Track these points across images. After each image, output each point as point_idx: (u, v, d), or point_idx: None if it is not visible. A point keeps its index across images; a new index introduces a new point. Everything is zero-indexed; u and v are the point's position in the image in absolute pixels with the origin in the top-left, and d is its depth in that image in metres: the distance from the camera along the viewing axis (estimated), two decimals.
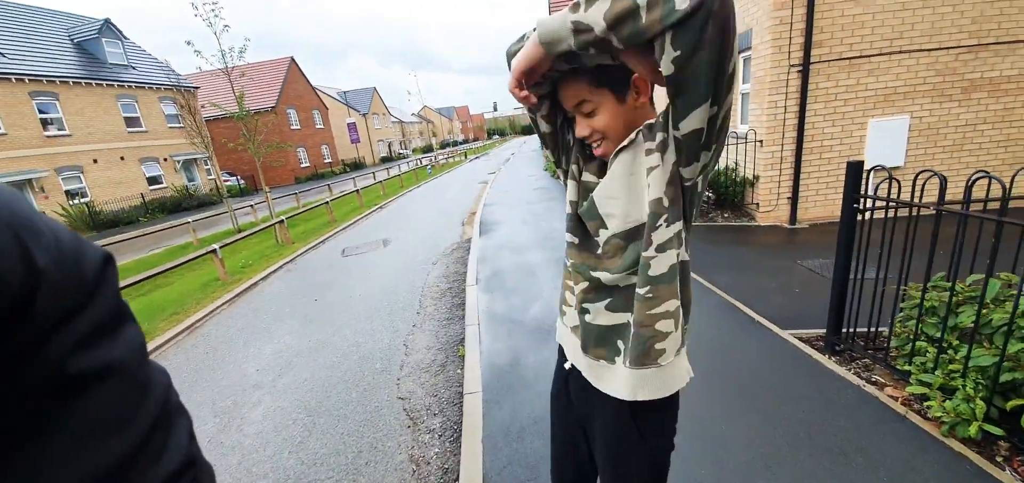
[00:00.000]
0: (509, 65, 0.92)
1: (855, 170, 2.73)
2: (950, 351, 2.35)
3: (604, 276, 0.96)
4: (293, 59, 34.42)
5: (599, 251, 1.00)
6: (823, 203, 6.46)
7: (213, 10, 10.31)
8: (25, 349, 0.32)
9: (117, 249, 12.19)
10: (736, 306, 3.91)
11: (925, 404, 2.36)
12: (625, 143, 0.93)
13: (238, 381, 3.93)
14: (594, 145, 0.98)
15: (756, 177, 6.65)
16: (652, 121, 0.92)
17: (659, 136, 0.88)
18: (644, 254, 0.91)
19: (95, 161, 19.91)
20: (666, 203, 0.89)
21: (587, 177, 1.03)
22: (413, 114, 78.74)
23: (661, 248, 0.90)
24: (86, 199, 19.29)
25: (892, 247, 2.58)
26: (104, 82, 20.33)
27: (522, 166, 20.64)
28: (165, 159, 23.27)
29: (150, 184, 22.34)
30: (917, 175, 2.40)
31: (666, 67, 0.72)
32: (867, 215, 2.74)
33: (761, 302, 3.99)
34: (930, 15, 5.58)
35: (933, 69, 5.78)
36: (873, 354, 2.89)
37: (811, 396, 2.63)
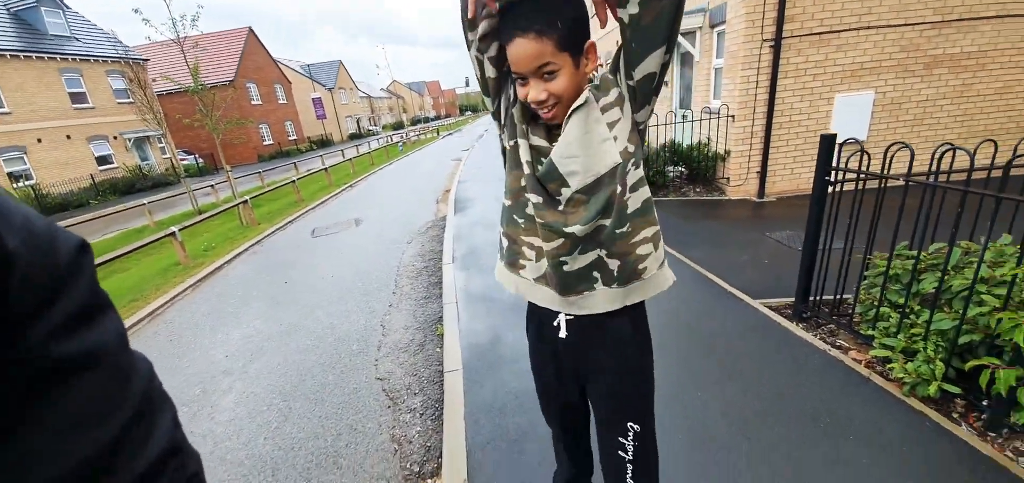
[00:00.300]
0: (462, 14, 0.95)
1: (828, 143, 2.79)
2: (912, 316, 2.47)
3: (578, 230, 1.00)
4: (251, 29, 32.57)
5: (561, 208, 1.03)
6: (790, 177, 6.65)
7: None
8: (0, 338, 0.31)
9: None
10: (710, 278, 4.00)
11: (888, 366, 2.48)
12: (578, 103, 0.96)
13: (206, 368, 3.77)
14: (544, 109, 0.98)
15: (727, 152, 6.76)
16: (596, 80, 1.00)
17: (614, 92, 0.98)
18: (621, 198, 1.00)
19: (39, 140, 18.50)
20: (631, 149, 0.99)
21: (536, 140, 1.05)
22: (382, 89, 76.52)
23: (634, 188, 1.01)
24: (31, 182, 17.97)
25: (859, 218, 2.67)
26: (45, 55, 18.75)
27: (496, 142, 20.42)
28: (115, 137, 21.80)
29: (100, 164, 20.93)
30: (888, 147, 2.46)
31: (632, 8, 0.82)
32: (838, 187, 2.81)
33: (733, 274, 4.09)
34: None
35: (898, 45, 5.95)
36: (837, 320, 3.01)
37: (782, 362, 2.73)
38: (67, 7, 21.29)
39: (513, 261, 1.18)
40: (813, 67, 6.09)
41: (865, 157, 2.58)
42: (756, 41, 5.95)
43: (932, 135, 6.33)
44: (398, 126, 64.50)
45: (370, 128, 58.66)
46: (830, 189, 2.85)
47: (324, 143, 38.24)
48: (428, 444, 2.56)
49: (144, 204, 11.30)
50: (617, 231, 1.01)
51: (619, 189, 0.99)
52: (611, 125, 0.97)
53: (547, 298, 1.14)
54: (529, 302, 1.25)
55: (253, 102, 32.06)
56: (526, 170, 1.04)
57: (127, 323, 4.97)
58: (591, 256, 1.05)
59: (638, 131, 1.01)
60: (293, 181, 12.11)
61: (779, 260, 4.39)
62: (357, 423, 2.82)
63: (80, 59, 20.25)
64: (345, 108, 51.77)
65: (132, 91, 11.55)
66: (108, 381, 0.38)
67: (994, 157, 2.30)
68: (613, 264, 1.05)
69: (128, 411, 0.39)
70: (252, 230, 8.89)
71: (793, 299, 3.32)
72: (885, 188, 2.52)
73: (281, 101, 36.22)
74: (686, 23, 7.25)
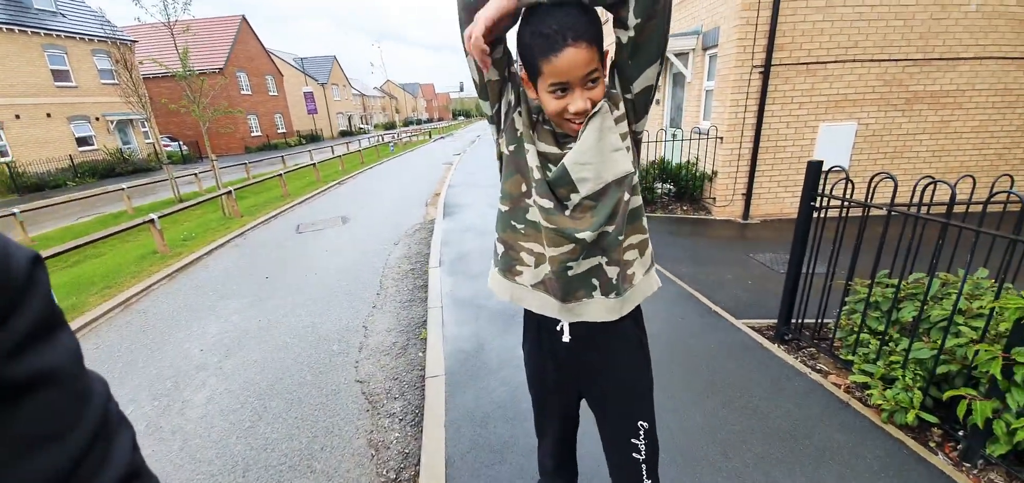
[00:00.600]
0: (460, 14, 0.94)
1: (814, 170, 2.84)
2: (892, 344, 2.51)
3: (587, 235, 1.01)
4: (244, 17, 32.13)
5: (569, 213, 1.03)
6: (774, 200, 6.78)
7: None
8: None
9: (43, 215, 11.09)
10: (694, 295, 4.04)
11: (866, 392, 2.52)
12: (595, 110, 0.97)
13: (179, 361, 3.65)
14: (577, 120, 0.97)
15: (715, 172, 6.87)
16: (609, 92, 1.01)
17: (622, 105, 1.00)
18: (626, 206, 1.04)
19: (17, 116, 17.89)
20: (633, 157, 1.03)
21: (544, 147, 1.04)
22: (376, 88, 76.14)
23: (632, 193, 1.06)
24: (6, 159, 17.35)
25: (842, 244, 2.72)
26: (29, 28, 18.17)
27: (488, 148, 20.43)
28: (97, 119, 21.21)
29: (80, 145, 20.34)
30: (873, 177, 2.51)
31: (632, 27, 0.87)
32: (823, 213, 2.86)
33: (718, 292, 4.13)
34: (883, 28, 5.91)
35: (882, 79, 6.14)
36: (818, 344, 3.05)
37: (763, 383, 2.75)
38: None
39: (509, 267, 1.16)
40: (800, 95, 6.24)
41: (849, 185, 2.63)
42: (746, 67, 6.08)
43: (911, 168, 6.53)
44: (390, 126, 64.11)
45: (361, 126, 58.26)
46: (815, 214, 2.91)
47: (314, 138, 37.76)
48: (406, 450, 2.51)
49: (123, 189, 10.99)
50: (619, 238, 1.05)
51: (626, 197, 1.03)
52: (623, 135, 1.00)
53: (544, 305, 1.13)
54: (527, 310, 1.23)
55: (243, 92, 31.57)
56: (536, 175, 1.03)
57: (100, 311, 4.80)
58: (592, 262, 1.06)
59: (635, 143, 1.06)
60: (280, 175, 11.92)
61: (762, 281, 4.45)
62: (334, 426, 2.75)
63: (65, 36, 19.70)
64: (337, 104, 51.31)
65: (118, 72, 11.29)
66: (64, 401, 0.37)
67: (972, 192, 2.37)
68: (612, 271, 1.07)
69: (85, 433, 0.38)
70: (235, 222, 8.70)
71: (776, 320, 3.36)
72: (868, 216, 2.57)
73: (272, 93, 35.74)
74: (680, 45, 7.38)
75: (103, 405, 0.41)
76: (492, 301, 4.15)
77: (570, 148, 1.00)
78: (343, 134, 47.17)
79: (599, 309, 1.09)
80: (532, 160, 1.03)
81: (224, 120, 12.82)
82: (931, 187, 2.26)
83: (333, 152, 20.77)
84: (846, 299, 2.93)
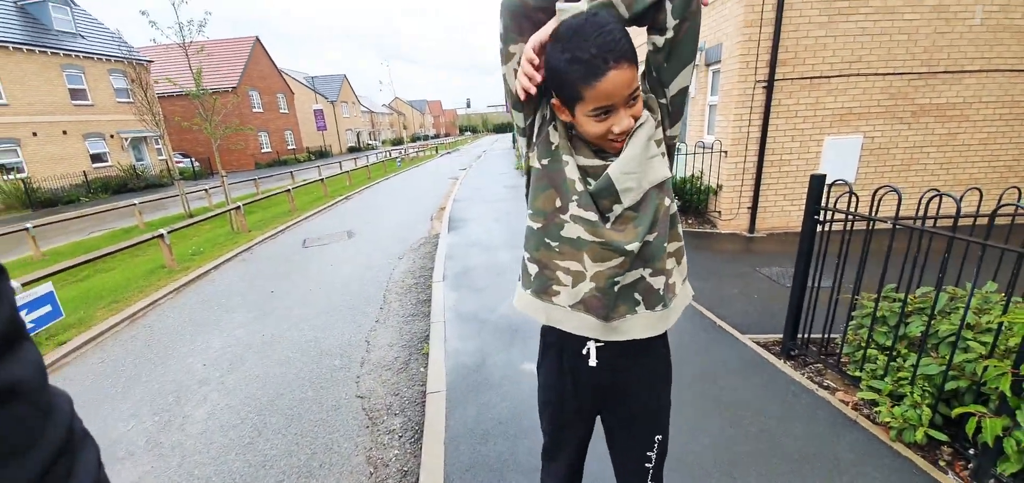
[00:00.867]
0: (504, 18, 0.94)
1: (817, 183, 2.82)
2: (899, 359, 2.46)
3: (634, 246, 0.98)
4: (258, 38, 32.97)
5: (610, 225, 1.00)
6: (780, 214, 6.72)
7: None
8: None
9: (54, 230, 11.28)
10: (700, 310, 3.99)
11: (875, 410, 2.46)
12: (641, 121, 0.96)
13: (182, 376, 3.67)
14: (622, 139, 0.95)
15: (719, 186, 6.84)
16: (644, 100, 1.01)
17: (658, 113, 1.01)
18: (667, 211, 1.02)
19: (34, 134, 18.38)
20: (668, 162, 1.03)
21: (584, 161, 1.01)
22: (384, 105, 77.17)
23: (670, 198, 1.04)
24: (23, 175, 17.75)
25: (847, 258, 2.68)
26: (49, 49, 18.79)
27: (494, 163, 20.57)
28: (112, 136, 21.71)
29: (94, 162, 20.79)
30: (876, 190, 2.49)
31: (671, 28, 0.89)
32: (827, 227, 2.83)
33: (724, 307, 4.08)
34: (887, 42, 5.90)
35: (887, 93, 6.11)
36: (825, 359, 2.99)
37: (770, 400, 2.69)
38: (75, 4, 21.46)
39: (544, 288, 1.09)
40: (804, 109, 6.22)
41: (853, 198, 2.60)
42: (750, 82, 6.09)
43: (918, 181, 6.46)
44: (398, 142, 64.78)
45: (370, 142, 58.95)
46: (819, 228, 2.87)
47: (322, 154, 38.31)
48: (405, 468, 2.48)
49: (135, 204, 11.17)
50: (663, 245, 1.03)
51: (667, 202, 1.02)
52: (658, 142, 1.00)
53: (584, 325, 1.06)
54: (547, 331, 1.19)
55: (254, 110, 32.21)
56: (578, 186, 0.99)
57: (106, 325, 4.85)
58: (635, 274, 1.03)
59: (669, 149, 1.06)
60: (288, 190, 12.06)
61: (769, 296, 4.39)
62: (333, 442, 2.73)
63: (83, 56, 20.30)
64: (346, 121, 52.07)
65: (133, 91, 11.56)
66: (28, 415, 0.36)
67: (979, 205, 2.34)
68: (657, 282, 1.04)
69: (48, 449, 0.37)
70: (242, 237, 8.79)
71: (781, 336, 3.31)
72: (872, 230, 2.54)
73: (283, 110, 36.40)
74: None
75: (67, 422, 0.40)
76: (495, 316, 4.14)
77: (612, 160, 0.98)
78: (351, 150, 47.74)
79: (643, 325, 1.06)
80: (572, 172, 1.00)
81: (235, 137, 13.04)
82: (936, 200, 2.23)
83: (341, 167, 21.00)
84: (853, 314, 2.88)
